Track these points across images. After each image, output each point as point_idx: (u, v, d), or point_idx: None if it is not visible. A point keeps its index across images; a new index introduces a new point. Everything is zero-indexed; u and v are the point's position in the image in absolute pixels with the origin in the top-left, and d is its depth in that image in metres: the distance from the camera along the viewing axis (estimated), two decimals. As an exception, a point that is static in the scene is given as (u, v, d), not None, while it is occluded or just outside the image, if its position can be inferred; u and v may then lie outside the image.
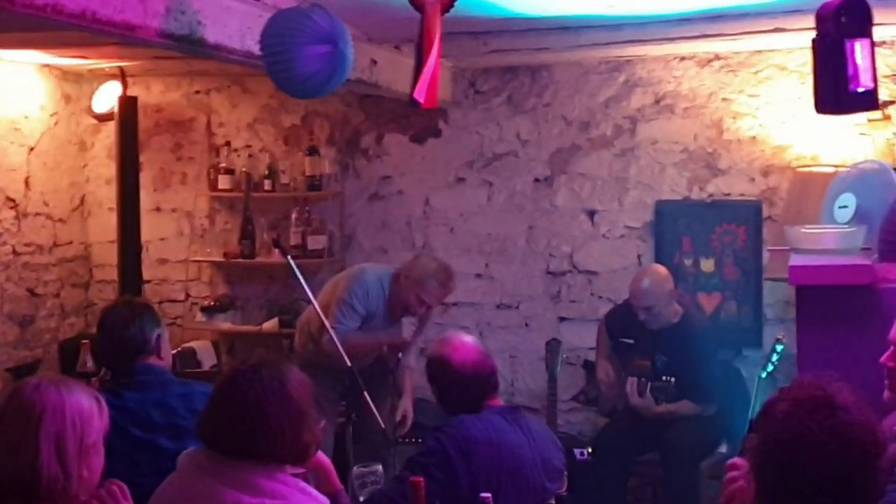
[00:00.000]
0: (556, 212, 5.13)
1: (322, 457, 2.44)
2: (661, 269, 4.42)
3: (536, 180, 5.15)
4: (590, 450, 4.48)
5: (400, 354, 4.11)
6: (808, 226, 3.73)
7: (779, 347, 4.04)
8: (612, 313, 4.67)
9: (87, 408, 1.96)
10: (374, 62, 4.21)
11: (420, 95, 2.84)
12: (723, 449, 4.44)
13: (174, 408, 2.75)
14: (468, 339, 2.93)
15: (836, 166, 4.44)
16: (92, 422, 1.96)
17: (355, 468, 2.73)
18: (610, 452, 4.34)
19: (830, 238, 3.50)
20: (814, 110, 2.87)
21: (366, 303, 4.04)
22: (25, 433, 1.89)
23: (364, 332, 4.05)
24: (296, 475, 2.22)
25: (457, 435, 2.65)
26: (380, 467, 2.73)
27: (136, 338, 2.84)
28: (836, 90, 2.49)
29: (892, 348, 2.47)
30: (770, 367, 4.00)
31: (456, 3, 2.74)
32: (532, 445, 2.75)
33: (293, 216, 5.28)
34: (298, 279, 3.61)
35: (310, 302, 3.77)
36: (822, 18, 2.50)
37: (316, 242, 5.23)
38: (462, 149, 5.25)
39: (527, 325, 5.19)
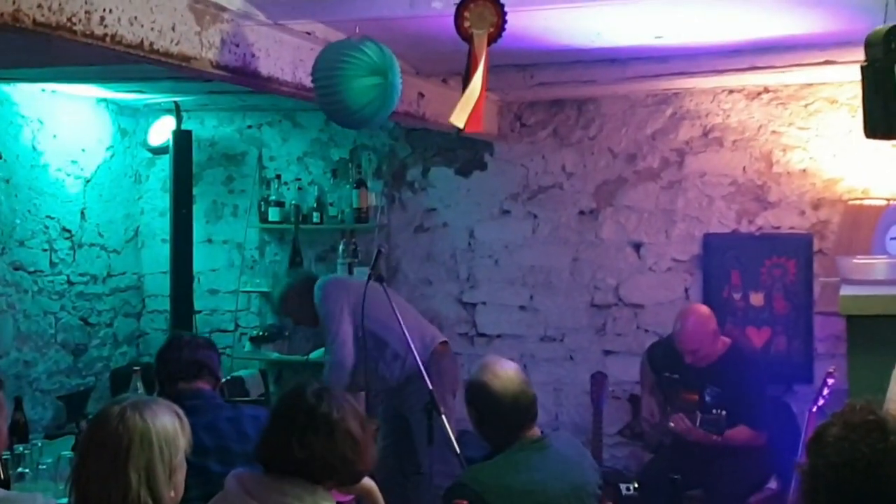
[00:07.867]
0: (602, 244, 5.11)
1: (370, 482, 2.47)
2: (704, 309, 4.36)
3: (581, 213, 5.15)
4: (636, 485, 4.42)
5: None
6: (859, 256, 3.69)
7: (830, 382, 3.97)
8: (655, 347, 4.60)
9: (171, 429, 1.96)
10: (422, 95, 4.26)
11: (458, 120, 2.76)
12: (772, 485, 4.35)
13: (224, 431, 2.79)
14: (510, 365, 2.86)
15: (887, 199, 4.39)
16: (177, 442, 1.97)
17: None
18: (656, 487, 4.28)
19: (882, 268, 3.46)
20: (864, 142, 2.85)
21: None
22: (115, 465, 1.90)
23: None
24: None
25: (468, 483, 2.61)
26: None
27: (188, 362, 2.90)
28: (886, 115, 2.47)
29: None
30: (821, 403, 3.94)
31: (503, 34, 2.77)
32: (559, 475, 2.68)
33: (340, 248, 5.35)
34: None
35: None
36: (870, 44, 2.50)
37: (362, 274, 5.27)
38: (507, 181, 5.28)
39: (571, 357, 5.16)
